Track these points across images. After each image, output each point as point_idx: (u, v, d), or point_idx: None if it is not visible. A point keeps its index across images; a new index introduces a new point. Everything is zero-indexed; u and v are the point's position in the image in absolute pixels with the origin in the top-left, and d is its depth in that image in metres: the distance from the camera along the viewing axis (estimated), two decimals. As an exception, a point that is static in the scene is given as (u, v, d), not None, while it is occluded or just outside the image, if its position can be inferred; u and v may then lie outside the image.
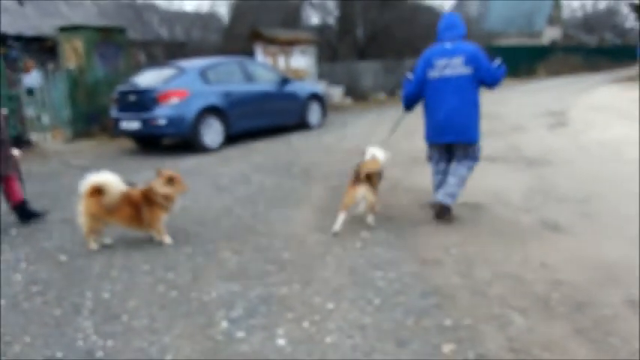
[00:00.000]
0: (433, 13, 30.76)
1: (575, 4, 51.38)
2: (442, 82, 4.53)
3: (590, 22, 49.59)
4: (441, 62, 4.52)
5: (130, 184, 4.49)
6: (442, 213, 4.64)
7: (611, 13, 48.59)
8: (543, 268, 3.59)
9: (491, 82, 4.50)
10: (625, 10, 43.52)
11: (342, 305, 3.15)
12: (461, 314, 2.97)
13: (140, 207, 4.21)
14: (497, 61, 4.47)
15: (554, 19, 45.85)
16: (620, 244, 3.99)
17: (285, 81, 10.90)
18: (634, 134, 9.21)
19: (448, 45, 4.55)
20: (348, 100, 17.51)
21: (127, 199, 4.19)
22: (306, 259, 3.96)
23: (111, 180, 4.11)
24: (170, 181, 4.28)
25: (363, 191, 4.37)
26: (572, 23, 52.08)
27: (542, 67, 29.33)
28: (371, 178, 4.46)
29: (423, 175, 6.58)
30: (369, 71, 19.27)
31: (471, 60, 4.44)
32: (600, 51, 38.82)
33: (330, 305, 3.16)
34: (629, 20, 45.26)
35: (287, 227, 4.75)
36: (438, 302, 3.14)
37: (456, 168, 4.70)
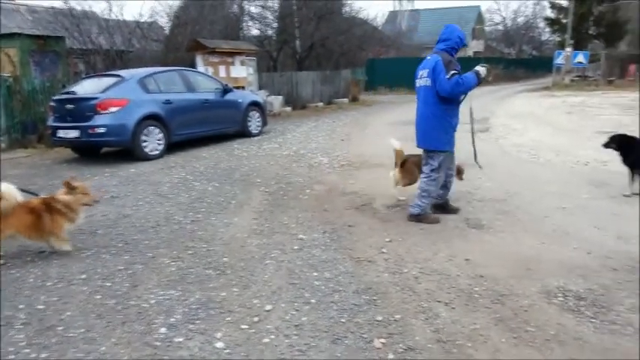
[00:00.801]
0: (368, 26, 31.76)
1: (497, 19, 54.15)
2: (418, 91, 4.88)
3: (510, 36, 52.66)
4: (420, 73, 4.80)
5: (30, 192, 4.42)
6: (439, 209, 5.12)
7: (529, 27, 51.87)
8: (467, 263, 3.86)
9: (442, 94, 4.56)
10: (541, 24, 46.63)
11: (279, 306, 3.25)
12: (392, 310, 3.15)
13: (41, 215, 4.10)
14: (452, 73, 4.46)
15: (477, 33, 48.41)
16: (534, 238, 4.37)
17: (225, 90, 10.92)
18: (548, 138, 9.98)
19: (429, 57, 4.78)
20: (288, 109, 17.73)
21: (25, 208, 4.07)
22: (246, 262, 4.02)
23: (5, 189, 3.97)
24: (74, 189, 4.20)
25: (392, 173, 5.64)
26: (493, 36, 55.12)
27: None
28: (404, 164, 5.49)
29: (358, 179, 6.85)
30: (307, 81, 19.65)
31: (431, 72, 4.63)
32: (519, 62, 41.43)
33: (269, 307, 3.25)
34: (545, 34, 48.51)
35: (227, 232, 4.79)
36: (370, 299, 3.31)
37: (421, 180, 4.94)
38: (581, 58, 25.96)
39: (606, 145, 5.86)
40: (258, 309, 3.23)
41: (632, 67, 28.99)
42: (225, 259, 4.12)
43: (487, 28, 56.27)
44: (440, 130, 4.74)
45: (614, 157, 5.92)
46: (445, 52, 4.63)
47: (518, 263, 3.85)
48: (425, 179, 4.91)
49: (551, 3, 32.79)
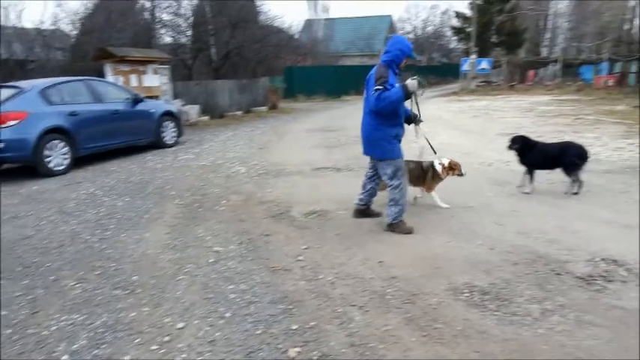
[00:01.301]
0: (284, 34, 31.91)
1: (408, 28, 56.39)
2: (364, 100, 4.84)
3: (421, 44, 55.08)
4: (367, 84, 4.75)
5: None
6: (360, 213, 5.22)
7: (438, 35, 54.57)
8: (381, 265, 3.96)
9: (373, 109, 4.55)
10: (448, 32, 49.21)
11: (192, 323, 3.15)
12: (307, 317, 3.16)
13: None
14: (375, 88, 4.40)
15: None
16: (443, 238, 4.56)
17: (136, 100, 10.48)
18: (456, 141, 10.50)
19: (373, 69, 4.68)
20: (206, 118, 17.37)
21: None
22: (158, 279, 3.87)
23: None
24: None
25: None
26: (405, 44, 57.23)
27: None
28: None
29: (276, 188, 6.82)
30: (225, 89, 19.38)
31: (367, 84, 4.66)
32: (430, 69, 43.36)
33: (181, 324, 3.14)
34: (453, 42, 51.19)
35: (138, 249, 4.58)
36: (286, 308, 3.29)
37: (389, 191, 4.85)
38: (485, 64, 27.68)
39: (510, 147, 6.25)
40: (169, 328, 3.11)
41: (531, 73, 31.32)
42: (135, 277, 3.93)
43: (399, 37, 58.34)
44: (381, 139, 4.69)
45: (515, 157, 6.31)
46: (385, 64, 4.54)
47: (428, 262, 4.00)
48: (389, 189, 4.86)
49: (456, 13, 34.74)
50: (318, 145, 10.80)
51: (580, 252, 4.10)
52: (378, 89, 4.41)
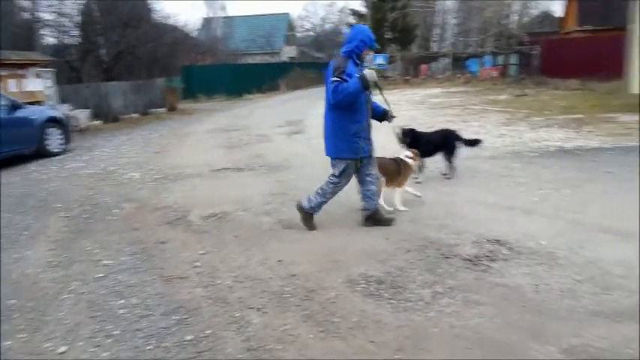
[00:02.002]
0: (179, 32, 30.88)
1: (307, 26, 57.10)
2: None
3: (321, 41, 55.94)
4: (325, 77, 4.53)
5: None
6: (370, 221, 4.78)
7: (336, 33, 55.69)
8: (280, 264, 3.91)
9: (330, 102, 4.36)
10: (347, 30, 50.37)
11: (76, 345, 2.91)
12: (203, 326, 3.04)
13: None
14: (332, 80, 4.22)
15: (290, 39, 50.42)
16: (343, 231, 4.62)
17: (15, 106, 9.59)
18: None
19: (332, 61, 4.50)
20: (98, 123, 16.33)
21: None
22: (38, 301, 3.54)
23: None
24: None
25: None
26: (305, 42, 58.00)
27: (284, 82, 31.91)
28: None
29: (173, 192, 6.55)
30: (118, 91, 18.36)
31: (325, 77, 4.45)
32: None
33: (63, 348, 2.88)
34: (348, 38, 52.36)
35: (17, 269, 4.17)
36: (181, 319, 3.14)
37: (325, 181, 4.72)
38: (381, 60, 28.65)
39: (402, 141, 6.48)
40: (50, 353, 2.86)
41: (424, 67, 32.90)
42: (12, 301, 3.57)
43: (299, 35, 59.04)
44: (337, 137, 4.49)
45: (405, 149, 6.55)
46: (344, 55, 4.37)
47: (326, 257, 4.02)
48: (327, 181, 4.70)
49: (352, 10, 35.61)
50: (218, 145, 10.56)
51: (467, 235, 4.33)
52: (335, 81, 4.22)
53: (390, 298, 3.28)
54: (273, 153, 9.08)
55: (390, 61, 30.50)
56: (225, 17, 45.01)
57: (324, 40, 56.31)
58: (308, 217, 4.77)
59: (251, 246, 4.37)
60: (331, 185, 4.67)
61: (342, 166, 4.56)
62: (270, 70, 32.87)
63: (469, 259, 3.82)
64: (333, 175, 4.64)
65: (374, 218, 4.75)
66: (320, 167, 7.60)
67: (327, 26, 56.38)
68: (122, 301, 3.46)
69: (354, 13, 34.60)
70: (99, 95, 17.48)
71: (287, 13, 50.80)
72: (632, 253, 3.74)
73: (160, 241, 4.68)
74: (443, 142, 6.37)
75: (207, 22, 44.46)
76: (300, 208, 4.79)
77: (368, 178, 4.68)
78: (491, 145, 8.30)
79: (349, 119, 4.42)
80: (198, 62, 32.86)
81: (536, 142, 8.32)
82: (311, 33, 59.03)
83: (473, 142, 6.61)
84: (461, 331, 2.85)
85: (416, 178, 6.38)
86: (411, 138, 6.39)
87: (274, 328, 2.97)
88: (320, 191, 4.71)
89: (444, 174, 6.54)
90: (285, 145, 10.13)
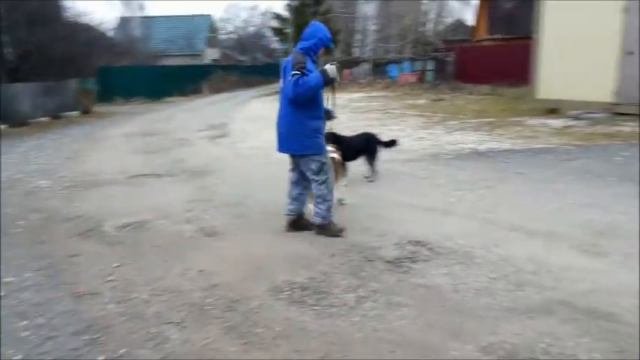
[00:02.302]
0: (95, 32, 29.32)
1: (230, 28, 56.40)
2: (280, 92, 4.49)
3: (244, 44, 55.44)
4: (283, 72, 4.40)
5: None
6: (294, 226, 4.64)
7: (259, 36, 55.41)
8: (201, 275, 3.77)
9: (288, 94, 4.24)
10: (269, 33, 50.20)
11: (-31, 375, 2.63)
12: (116, 345, 2.84)
13: None
14: (292, 73, 4.12)
15: (212, 41, 49.55)
16: (266, 237, 4.53)
17: None
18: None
19: (288, 57, 4.40)
20: (3, 127, 15.09)
21: None
22: None
23: None
24: None
25: None
26: (228, 44, 57.25)
27: (207, 84, 31.25)
28: None
29: (86, 201, 6.16)
30: (25, 94, 17.10)
31: (283, 72, 4.35)
32: (254, 69, 43.81)
33: (-47, 379, 2.59)
34: (275, 42, 52.40)
35: None
36: (91, 338, 2.92)
37: (313, 187, 4.52)
38: (304, 64, 28.75)
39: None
40: (-63, 386, 2.55)
41: (346, 72, 33.48)
42: None
43: (222, 37, 58.16)
44: (300, 133, 4.36)
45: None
46: (301, 51, 4.28)
47: (250, 265, 3.92)
48: (313, 184, 4.51)
49: (274, 14, 35.52)
50: (136, 150, 10.10)
51: (390, 237, 4.40)
52: (296, 74, 4.10)
53: (314, 305, 3.24)
54: (194, 158, 8.80)
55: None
56: (143, 17, 43.43)
57: (247, 42, 55.88)
58: (329, 230, 4.51)
59: (170, 256, 4.18)
60: (322, 187, 4.46)
61: (317, 161, 4.42)
62: (192, 73, 32.06)
63: (391, 262, 3.87)
64: (314, 175, 4.45)
65: (299, 223, 4.69)
66: (244, 171, 7.50)
67: (250, 29, 56.01)
68: (25, 322, 3.16)
69: (277, 16, 34.51)
70: (4, 98, 16.20)
71: (209, 15, 49.85)
72: (541, 250, 3.96)
73: (69, 254, 4.35)
74: (364, 146, 6.47)
75: (125, 21, 42.65)
76: (321, 227, 4.53)
77: (305, 182, 4.61)
78: (410, 148, 8.54)
79: (311, 115, 4.36)
80: (115, 63, 31.37)
81: (452, 145, 8.67)
82: (234, 35, 58.38)
83: (390, 143, 6.78)
84: (384, 335, 2.86)
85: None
86: (334, 142, 6.42)
87: (194, 343, 2.84)
88: (319, 200, 4.50)
89: (367, 177, 6.63)
90: (208, 150, 9.87)
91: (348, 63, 33.32)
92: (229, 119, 15.19)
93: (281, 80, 4.45)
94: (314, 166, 4.42)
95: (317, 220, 4.52)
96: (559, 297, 3.19)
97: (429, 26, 30.45)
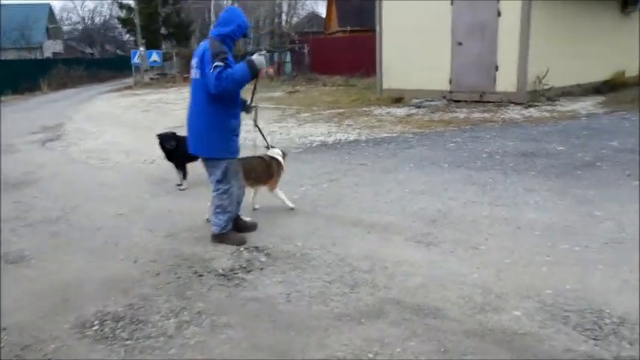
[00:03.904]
0: None
1: (75, 18, 51.61)
2: (192, 84, 3.95)
3: (91, 35, 51.08)
4: (193, 62, 3.88)
5: None
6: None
7: (108, 26, 51.37)
8: (-12, 317, 3.09)
9: (209, 90, 3.70)
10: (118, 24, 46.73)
11: None
12: None
13: None
14: (214, 65, 3.60)
15: (54, 32, 44.94)
16: (82, 259, 3.93)
17: None
18: (122, 139, 9.80)
19: (202, 44, 3.89)
20: None
21: None
22: None
23: None
24: None
25: None
26: (73, 36, 52.40)
27: (46, 80, 28.14)
28: None
29: None
30: None
31: (199, 62, 3.77)
32: (103, 62, 40.48)
33: None
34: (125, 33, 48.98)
35: None
36: None
37: (214, 195, 4.04)
38: (155, 57, 27.14)
39: (165, 147, 5.95)
40: None
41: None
42: None
43: (66, 28, 53.04)
44: (214, 133, 3.87)
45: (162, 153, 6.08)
46: (218, 38, 3.77)
47: (55, 296, 3.32)
48: (214, 193, 4.00)
49: (119, 3, 33.05)
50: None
51: (225, 245, 4.06)
52: (218, 66, 3.58)
53: (127, 339, 2.78)
54: (15, 166, 7.64)
55: (166, 58, 29.16)
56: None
57: (95, 34, 51.55)
58: (226, 237, 4.07)
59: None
60: (224, 196, 3.99)
61: (221, 167, 3.95)
62: (27, 68, 28.66)
63: (224, 274, 3.54)
64: (217, 182, 3.98)
65: (225, 235, 4.10)
66: (73, 179, 6.64)
67: (98, 20, 51.76)
68: None
69: (122, 6, 32.18)
70: None
71: (47, 4, 45.10)
72: (378, 246, 3.91)
73: None
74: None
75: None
76: (216, 236, 4.08)
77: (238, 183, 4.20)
78: (261, 144, 8.25)
79: (230, 114, 3.92)
80: None
81: (302, 138, 8.57)
82: (80, 26, 53.55)
83: None
84: (204, 365, 2.52)
85: (180, 185, 5.94)
86: (174, 143, 5.92)
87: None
88: (218, 210, 4.04)
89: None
90: (34, 156, 8.65)
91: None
92: (67, 119, 13.69)
93: (192, 71, 3.90)
94: (219, 172, 3.96)
95: (215, 230, 4.08)
96: (391, 296, 3.11)
97: (284, 18, 30.54)
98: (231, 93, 3.82)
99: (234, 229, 4.19)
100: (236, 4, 37.84)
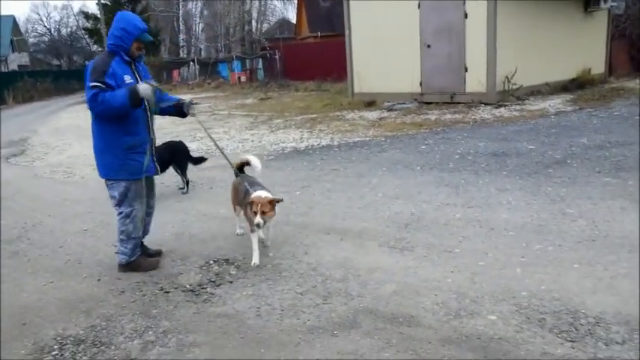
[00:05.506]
0: None
1: (41, 30, 50.52)
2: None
3: (58, 47, 50.11)
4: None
5: None
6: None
7: (75, 37, 50.48)
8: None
9: (88, 107, 3.50)
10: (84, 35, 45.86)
11: None
12: None
13: None
14: (92, 85, 3.35)
15: (20, 45, 43.99)
16: (42, 279, 3.74)
17: None
18: (89, 151, 9.50)
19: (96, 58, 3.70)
20: None
21: None
22: None
23: None
24: None
25: None
26: (40, 48, 51.39)
27: (11, 93, 27.42)
28: None
29: None
30: None
31: (84, 79, 3.51)
32: (71, 74, 39.61)
33: None
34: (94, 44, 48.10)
35: None
36: None
37: (117, 220, 3.74)
38: (124, 66, 26.70)
39: None
40: None
41: (176, 72, 32.04)
42: None
43: (31, 40, 52.00)
44: (106, 152, 3.58)
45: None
46: (109, 51, 3.53)
47: (12, 320, 3.14)
48: (117, 218, 3.70)
49: (84, 13, 32.46)
50: None
51: (194, 258, 3.93)
52: (95, 87, 3.34)
53: (88, 362, 2.63)
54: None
55: (137, 67, 28.70)
56: None
57: (62, 45, 50.61)
58: (137, 265, 3.75)
59: None
60: (127, 220, 3.65)
61: (120, 188, 3.62)
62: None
63: (191, 290, 3.40)
64: (117, 205, 3.67)
65: (135, 262, 3.77)
66: (36, 196, 6.39)
67: (64, 31, 50.77)
68: None
69: (86, 16, 31.59)
70: None
71: (11, 16, 44.09)
72: (351, 253, 3.81)
73: None
74: (172, 156, 5.87)
75: None
76: (123, 267, 3.75)
77: (147, 210, 3.91)
78: (232, 152, 8.12)
79: (122, 131, 3.55)
80: None
81: (274, 145, 8.45)
82: (46, 38, 52.53)
83: (198, 160, 6.33)
84: (168, 389, 2.39)
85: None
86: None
87: None
88: (122, 237, 3.70)
89: (181, 188, 6.07)
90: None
91: (175, 63, 31.90)
92: (33, 132, 13.31)
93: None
94: (116, 193, 3.63)
95: (122, 260, 3.74)
96: (364, 305, 3.02)
97: (254, 24, 30.41)
98: (109, 117, 3.49)
99: (143, 254, 3.89)
100: (205, 12, 37.60)
